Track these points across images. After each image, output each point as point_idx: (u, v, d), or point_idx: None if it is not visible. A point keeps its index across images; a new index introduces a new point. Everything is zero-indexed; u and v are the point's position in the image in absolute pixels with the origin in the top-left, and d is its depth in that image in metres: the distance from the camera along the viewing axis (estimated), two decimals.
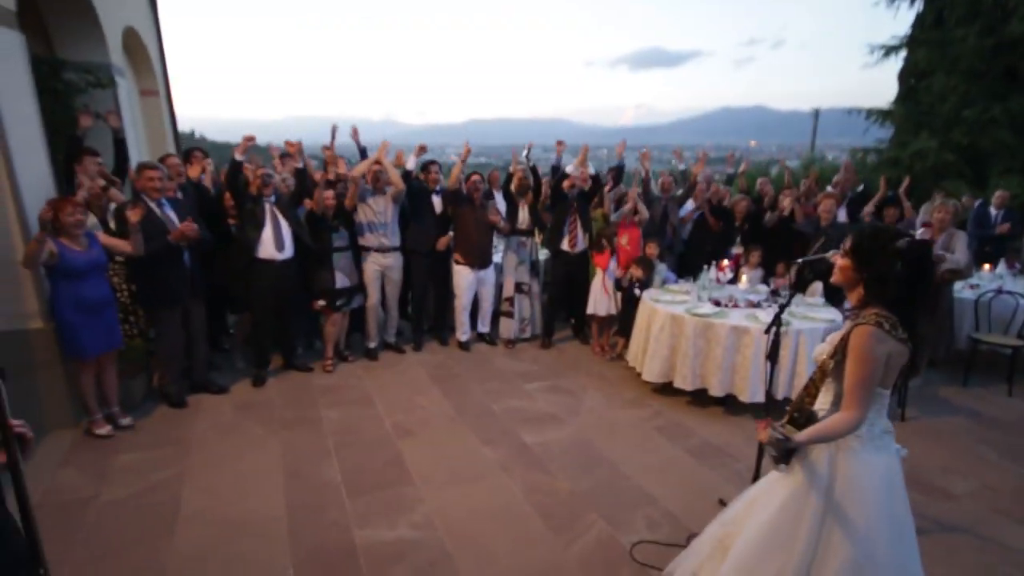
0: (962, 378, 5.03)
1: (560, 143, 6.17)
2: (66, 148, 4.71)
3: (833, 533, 1.91)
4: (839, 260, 1.98)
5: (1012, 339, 4.92)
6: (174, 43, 8.57)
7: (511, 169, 5.85)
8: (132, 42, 7.33)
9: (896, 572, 1.92)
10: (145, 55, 7.76)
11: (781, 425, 1.96)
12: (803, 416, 2.00)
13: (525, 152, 5.94)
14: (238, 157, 4.45)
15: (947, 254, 4.56)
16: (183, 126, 8.85)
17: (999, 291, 5.11)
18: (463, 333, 5.70)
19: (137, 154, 6.78)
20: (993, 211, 7.13)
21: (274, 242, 4.54)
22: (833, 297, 5.03)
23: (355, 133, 5.43)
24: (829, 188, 6.00)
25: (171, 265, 4.13)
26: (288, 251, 4.63)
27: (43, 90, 4.40)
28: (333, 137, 5.43)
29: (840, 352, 1.90)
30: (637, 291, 5.11)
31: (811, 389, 2.02)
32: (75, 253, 3.60)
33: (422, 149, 5.60)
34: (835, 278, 2.00)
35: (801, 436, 1.89)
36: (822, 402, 2.01)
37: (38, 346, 3.77)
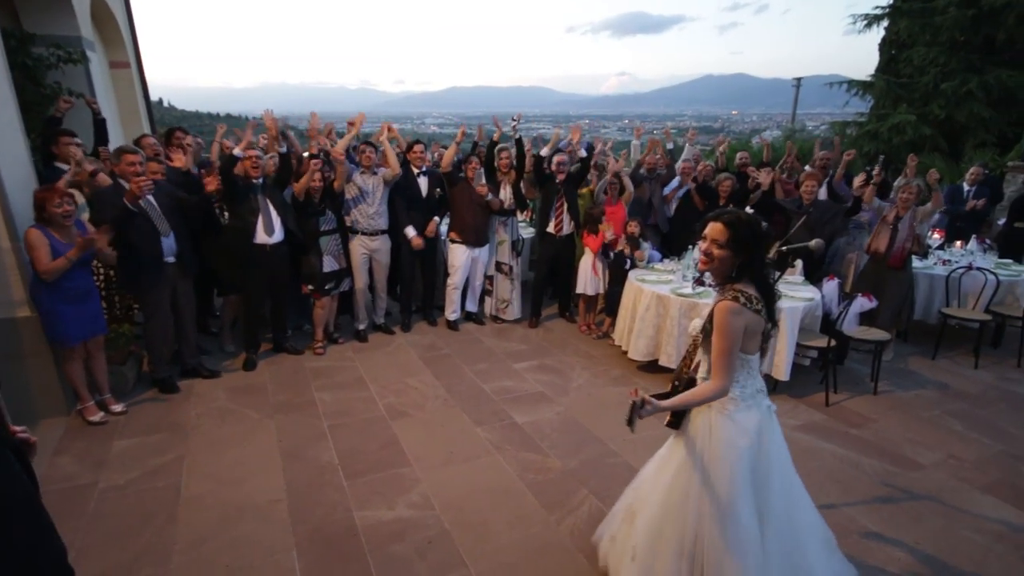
0: (932, 352, 5.25)
1: (575, 129, 6.20)
2: (43, 130, 4.60)
3: (709, 494, 2.12)
4: (716, 251, 2.05)
5: (980, 313, 5.14)
6: (140, 9, 8.26)
7: (495, 137, 5.75)
8: (101, 12, 7.05)
9: (784, 522, 2.14)
10: (114, 25, 7.48)
11: (653, 395, 2.10)
12: (683, 384, 2.23)
13: (513, 123, 5.84)
14: (237, 152, 4.41)
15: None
16: (151, 95, 8.58)
17: (969, 267, 5.31)
18: (453, 312, 5.75)
19: (111, 131, 6.60)
20: (966, 187, 7.25)
21: (264, 227, 4.52)
22: (812, 275, 5.19)
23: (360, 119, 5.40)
24: (808, 168, 6.09)
25: (146, 247, 4.03)
26: (278, 235, 4.62)
27: (12, 65, 4.26)
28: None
29: (707, 325, 2.09)
30: (627, 265, 5.21)
31: (687, 360, 2.26)
32: (65, 247, 3.55)
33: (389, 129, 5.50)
34: (710, 266, 2.11)
35: (668, 402, 2.10)
36: (703, 371, 2.20)
37: (27, 334, 3.74)
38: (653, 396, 2.09)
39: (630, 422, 2.06)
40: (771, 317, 2.07)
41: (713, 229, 2.05)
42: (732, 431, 2.09)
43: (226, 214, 4.77)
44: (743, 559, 2.07)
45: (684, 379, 2.27)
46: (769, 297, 2.06)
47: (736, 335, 2.00)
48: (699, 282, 4.74)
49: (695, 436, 2.17)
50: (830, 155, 6.30)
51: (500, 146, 5.66)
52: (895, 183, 7.44)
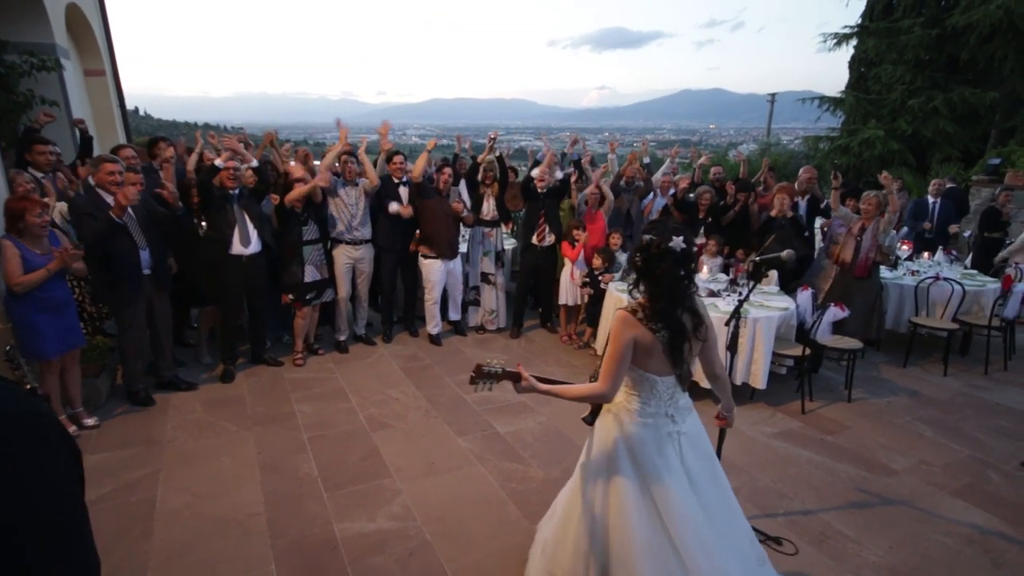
0: (903, 360, 5.40)
1: (573, 137, 6.40)
2: (20, 138, 4.55)
3: (601, 494, 2.18)
4: (634, 258, 2.08)
5: (947, 322, 5.30)
6: (115, 16, 8.16)
7: (479, 159, 5.85)
8: (76, 20, 6.97)
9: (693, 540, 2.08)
10: (89, 33, 7.40)
11: (538, 377, 2.15)
12: (595, 371, 2.23)
13: (489, 142, 5.90)
14: (219, 163, 4.38)
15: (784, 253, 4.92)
16: (127, 104, 8.47)
17: (937, 278, 5.48)
18: (435, 327, 5.73)
19: None
20: (930, 199, 7.46)
21: (240, 238, 4.49)
22: (787, 285, 5.31)
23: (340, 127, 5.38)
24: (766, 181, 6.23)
25: (126, 260, 3.98)
26: (254, 246, 4.59)
27: None
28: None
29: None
30: (602, 284, 5.25)
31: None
32: (39, 257, 3.48)
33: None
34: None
35: (544, 386, 2.11)
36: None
37: None
38: (538, 378, 2.12)
39: (473, 381, 2.12)
40: (671, 345, 1.99)
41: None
42: (619, 437, 2.14)
43: (203, 224, 4.71)
44: (646, 564, 2.03)
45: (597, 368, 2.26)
46: (670, 323, 1.98)
47: (624, 343, 1.97)
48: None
49: (594, 437, 2.25)
50: (813, 178, 6.28)
51: (485, 159, 5.75)
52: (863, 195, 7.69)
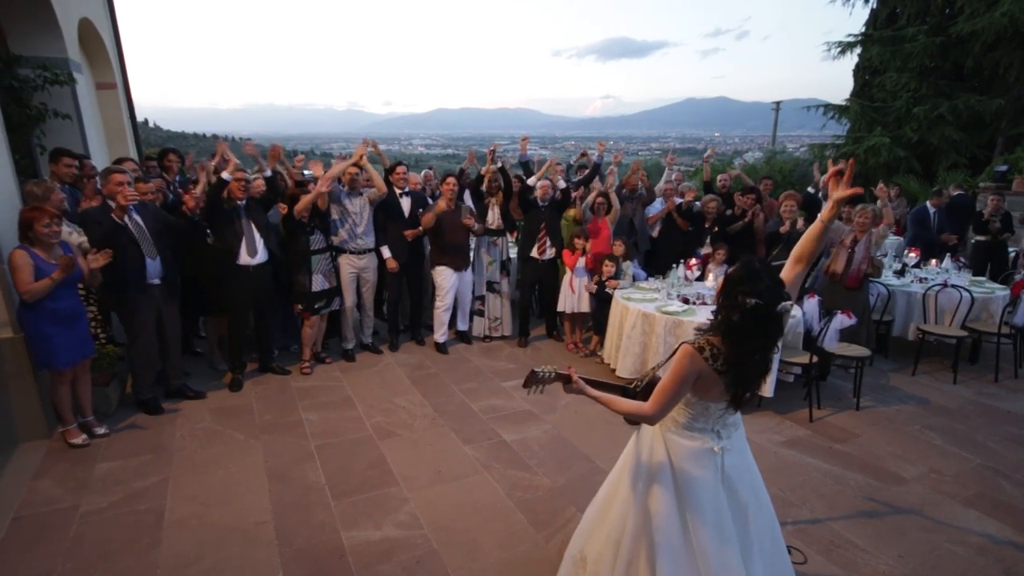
0: (911, 368, 5.36)
1: (524, 139, 6.31)
2: (52, 153, 4.65)
3: (638, 502, 2.18)
4: (720, 280, 2.08)
5: (956, 330, 5.27)
6: (126, 29, 8.30)
7: (482, 171, 5.88)
8: (88, 34, 7.08)
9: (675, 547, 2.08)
10: (101, 47, 7.50)
11: (585, 380, 2.16)
12: (644, 384, 2.24)
13: (489, 154, 5.89)
14: (225, 176, 4.43)
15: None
16: (137, 116, 8.59)
17: (944, 285, 5.45)
18: (442, 335, 5.75)
19: (97, 151, 6.60)
20: (931, 209, 7.50)
21: (247, 248, 4.54)
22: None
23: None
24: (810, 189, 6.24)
25: (131, 269, 4.02)
26: (261, 256, 4.63)
27: None
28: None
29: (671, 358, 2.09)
30: (608, 290, 5.26)
31: (659, 367, 2.31)
32: (51, 267, 3.52)
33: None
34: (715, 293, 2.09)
35: (593, 391, 2.11)
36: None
37: (8, 356, 3.69)
38: (586, 380, 2.14)
39: (527, 385, 2.16)
40: (734, 386, 1.94)
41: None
42: (664, 446, 2.13)
43: (208, 231, 4.78)
44: (673, 570, 2.05)
45: (649, 380, 2.24)
46: (739, 371, 1.91)
47: (684, 378, 1.94)
48: (684, 300, 4.82)
49: (640, 438, 2.25)
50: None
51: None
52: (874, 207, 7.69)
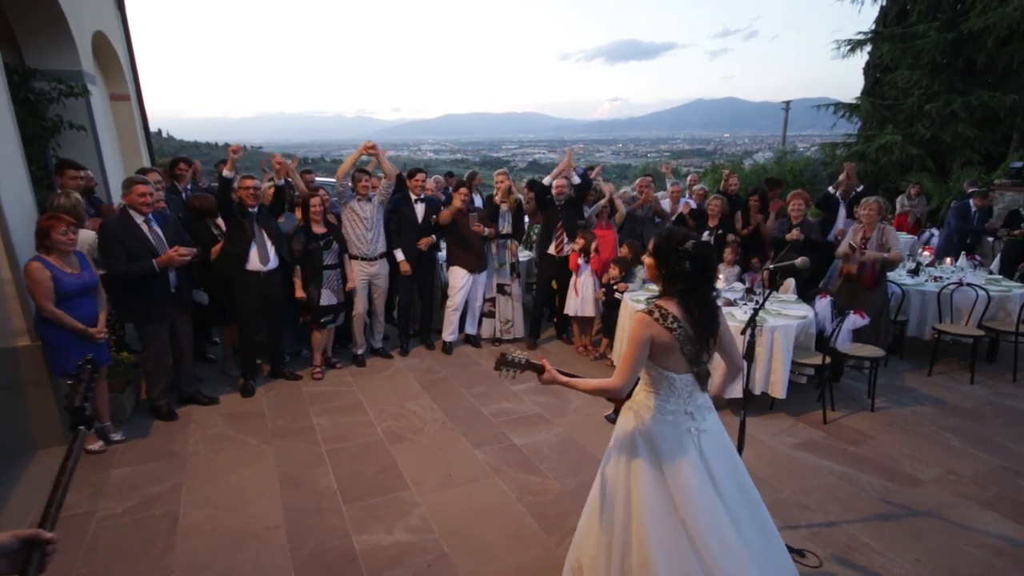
0: (927, 368, 5.29)
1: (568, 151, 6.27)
2: (57, 164, 4.72)
3: (622, 490, 2.22)
4: (646, 259, 2.22)
5: (973, 329, 5.19)
6: (139, 42, 8.42)
7: (495, 184, 5.96)
8: (101, 46, 7.20)
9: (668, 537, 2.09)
10: (115, 59, 7.63)
11: (562, 372, 2.25)
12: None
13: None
14: (226, 174, 4.44)
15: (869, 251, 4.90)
16: (151, 126, 8.72)
17: (960, 283, 5.38)
18: (451, 334, 5.78)
19: (111, 162, 6.70)
20: (973, 206, 7.70)
21: (258, 254, 4.57)
22: (805, 293, 5.24)
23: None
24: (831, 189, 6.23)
25: (155, 281, 4.09)
26: (272, 262, 4.66)
27: (14, 100, 4.36)
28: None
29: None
30: (617, 294, 5.24)
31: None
32: (68, 276, 3.58)
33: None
34: (646, 275, 2.27)
35: (563, 379, 2.20)
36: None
37: (26, 364, 3.75)
38: (562, 372, 2.21)
39: (497, 367, 2.24)
40: (696, 340, 2.08)
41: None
42: (637, 429, 2.19)
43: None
44: (660, 556, 2.05)
45: None
46: (696, 321, 2.08)
47: (640, 343, 2.06)
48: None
49: (616, 432, 2.31)
50: (849, 181, 6.20)
51: (498, 171, 5.86)
52: (897, 200, 7.74)
